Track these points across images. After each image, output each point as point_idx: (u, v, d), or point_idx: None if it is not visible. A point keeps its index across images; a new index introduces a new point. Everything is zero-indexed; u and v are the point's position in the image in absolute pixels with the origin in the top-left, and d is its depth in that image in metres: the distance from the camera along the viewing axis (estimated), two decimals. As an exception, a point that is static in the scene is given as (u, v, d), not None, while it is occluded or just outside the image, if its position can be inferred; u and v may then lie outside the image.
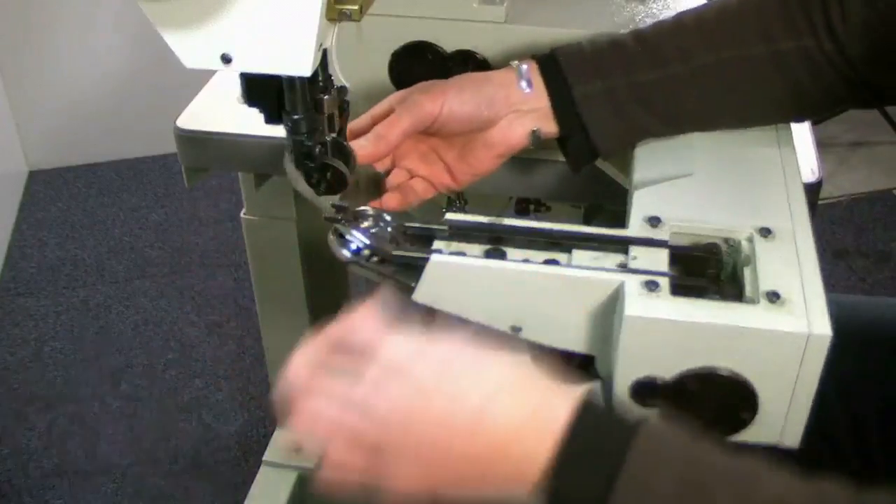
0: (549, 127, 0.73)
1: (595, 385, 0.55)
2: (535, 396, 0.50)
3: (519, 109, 0.72)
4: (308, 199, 0.68)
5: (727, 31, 0.72)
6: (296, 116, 0.63)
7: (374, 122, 0.72)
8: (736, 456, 0.49)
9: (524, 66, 0.73)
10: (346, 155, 0.68)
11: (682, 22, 0.74)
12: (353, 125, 0.72)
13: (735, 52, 0.72)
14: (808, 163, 0.84)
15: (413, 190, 0.75)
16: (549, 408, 0.49)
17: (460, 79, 0.73)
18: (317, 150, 0.65)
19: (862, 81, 0.72)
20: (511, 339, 0.59)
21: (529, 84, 0.72)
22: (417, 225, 0.66)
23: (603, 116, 0.72)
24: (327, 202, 0.68)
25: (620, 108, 0.72)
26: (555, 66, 0.72)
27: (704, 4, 0.76)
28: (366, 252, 0.65)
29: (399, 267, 0.65)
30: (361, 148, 0.70)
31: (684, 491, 0.46)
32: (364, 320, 0.54)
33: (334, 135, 0.67)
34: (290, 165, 0.67)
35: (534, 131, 0.73)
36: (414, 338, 0.52)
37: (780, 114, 0.76)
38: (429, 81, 0.73)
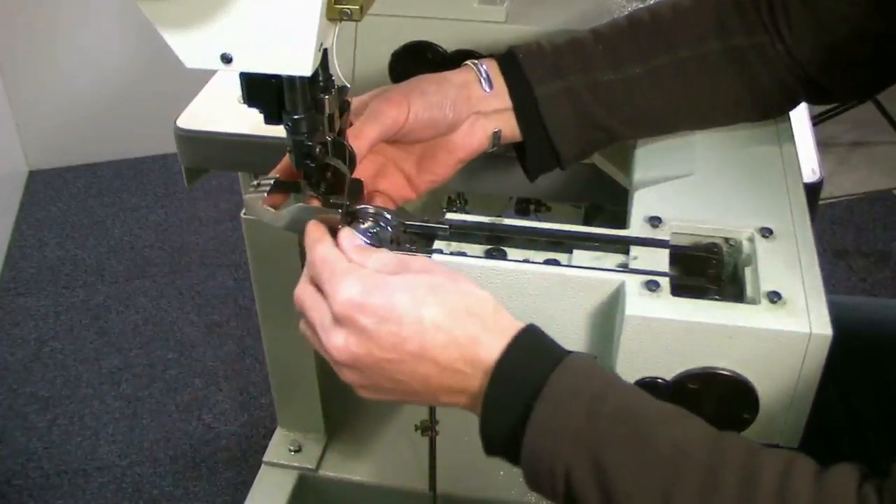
0: (510, 129, 0.72)
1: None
2: (470, 332, 0.55)
3: (480, 111, 0.70)
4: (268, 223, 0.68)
5: (683, 29, 0.71)
6: (296, 117, 0.63)
7: None
8: (647, 400, 0.53)
9: (483, 66, 0.71)
10: (345, 154, 0.68)
11: (639, 19, 0.73)
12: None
13: (692, 51, 0.71)
14: (808, 163, 0.84)
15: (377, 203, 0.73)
16: (482, 343, 0.54)
17: (418, 81, 0.70)
18: (317, 150, 0.65)
19: (811, 80, 0.73)
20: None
21: (490, 84, 0.70)
22: (418, 224, 0.66)
23: (565, 117, 0.71)
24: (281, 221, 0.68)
25: (582, 108, 0.71)
26: (515, 65, 0.70)
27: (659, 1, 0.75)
28: None
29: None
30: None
31: (590, 425, 0.51)
32: (322, 263, 0.60)
33: (334, 135, 0.67)
34: (248, 196, 0.68)
35: (494, 133, 0.71)
36: (361, 281, 0.57)
37: (740, 112, 0.76)
38: (385, 88, 0.70)
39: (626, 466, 0.50)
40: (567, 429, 0.51)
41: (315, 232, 0.62)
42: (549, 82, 0.70)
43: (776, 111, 0.77)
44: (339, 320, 0.57)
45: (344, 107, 0.68)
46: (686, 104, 0.73)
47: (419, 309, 0.55)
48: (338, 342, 0.57)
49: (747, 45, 0.71)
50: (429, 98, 0.68)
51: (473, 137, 0.71)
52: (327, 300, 0.58)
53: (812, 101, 0.79)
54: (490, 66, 0.71)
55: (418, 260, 0.60)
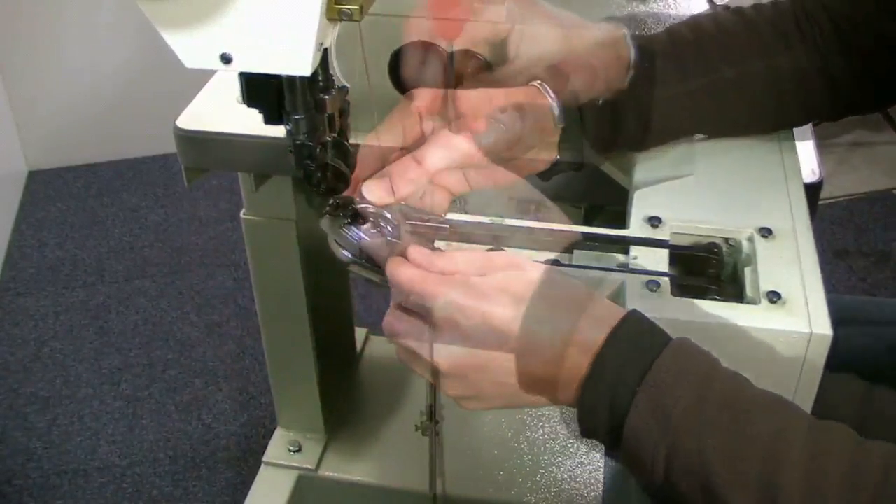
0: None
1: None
2: (572, 321, 0.55)
3: (547, 141, 0.70)
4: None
5: (730, 48, 0.72)
6: (296, 117, 0.63)
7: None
8: (749, 386, 0.53)
9: (555, 102, 0.69)
10: (346, 154, 0.68)
11: (679, 34, 0.73)
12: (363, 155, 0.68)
13: (733, 72, 0.72)
14: (808, 163, 0.84)
15: (436, 196, 0.71)
16: (586, 331, 0.54)
17: (577, 59, 0.67)
18: (318, 150, 0.65)
19: (841, 94, 0.74)
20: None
21: (563, 118, 0.69)
22: (418, 224, 0.66)
23: (605, 132, 0.71)
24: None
25: (622, 126, 0.71)
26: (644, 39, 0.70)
27: (698, 15, 0.75)
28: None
29: None
30: (381, 192, 0.64)
31: (697, 409, 0.51)
32: (411, 282, 0.58)
33: (335, 134, 0.67)
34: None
35: (554, 160, 0.71)
36: (456, 286, 0.56)
37: (765, 127, 0.77)
38: (460, 109, 0.67)
39: (728, 453, 0.50)
40: (672, 412, 0.51)
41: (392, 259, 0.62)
42: (670, 58, 0.70)
43: (800, 124, 0.79)
44: (440, 328, 0.56)
45: (345, 107, 0.68)
46: (719, 120, 0.74)
47: (519, 305, 0.55)
48: (441, 350, 0.57)
49: (787, 65, 0.72)
50: (505, 134, 0.66)
51: (537, 165, 0.71)
52: (424, 315, 0.58)
53: (835, 116, 0.79)
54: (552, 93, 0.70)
55: (500, 255, 0.59)
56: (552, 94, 0.69)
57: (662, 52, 0.72)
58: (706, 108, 0.73)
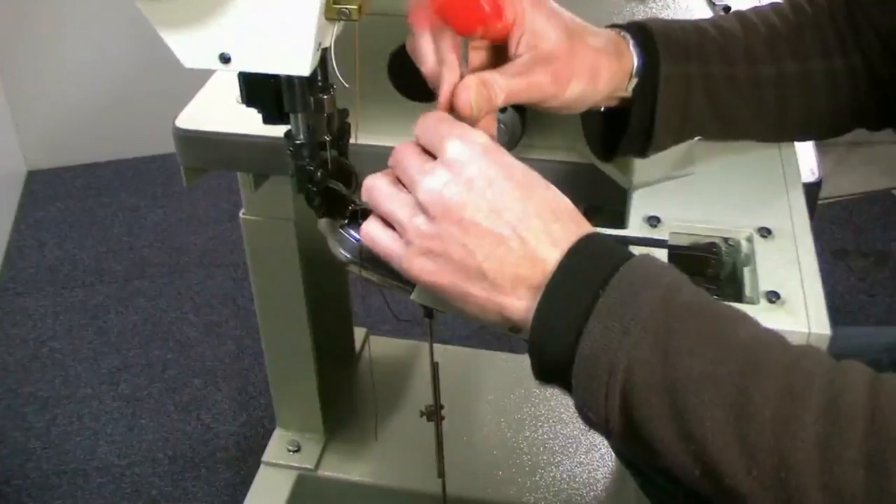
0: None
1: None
2: (564, 226, 0.53)
3: (618, 95, 0.68)
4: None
5: (790, 43, 0.71)
6: (298, 142, 0.64)
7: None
8: (719, 301, 0.51)
9: (636, 58, 0.67)
10: (347, 176, 0.68)
11: (751, 22, 0.72)
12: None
13: (796, 68, 0.71)
14: (807, 163, 0.84)
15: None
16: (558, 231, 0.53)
17: (583, 62, 0.64)
18: (318, 173, 0.65)
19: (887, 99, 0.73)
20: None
21: (638, 72, 0.67)
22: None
23: (676, 103, 0.68)
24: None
25: (692, 96, 0.69)
26: (651, 45, 0.67)
27: (761, 8, 0.74)
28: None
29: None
30: (465, 101, 0.59)
31: (663, 313, 0.48)
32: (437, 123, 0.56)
33: (336, 153, 0.67)
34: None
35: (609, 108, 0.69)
36: (474, 147, 0.54)
37: (814, 132, 0.76)
38: (556, 30, 0.62)
39: (699, 358, 0.47)
40: (637, 317, 0.48)
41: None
42: (675, 64, 0.68)
43: (844, 131, 0.77)
44: (446, 164, 0.53)
45: (346, 128, 0.68)
46: (774, 117, 0.72)
47: (533, 186, 0.53)
48: (433, 184, 0.53)
49: (840, 66, 0.71)
50: (586, 91, 0.64)
51: (600, 102, 0.68)
52: (436, 152, 0.54)
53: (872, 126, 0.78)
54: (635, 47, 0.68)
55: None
56: (635, 50, 0.67)
57: (733, 33, 0.70)
58: (770, 99, 0.71)
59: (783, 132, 0.75)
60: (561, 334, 0.50)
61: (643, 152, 0.71)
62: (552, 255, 0.52)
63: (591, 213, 1.11)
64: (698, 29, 0.70)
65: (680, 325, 0.48)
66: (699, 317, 0.49)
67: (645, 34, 0.68)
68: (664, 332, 0.48)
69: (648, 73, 0.67)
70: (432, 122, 0.56)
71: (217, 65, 0.59)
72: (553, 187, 0.55)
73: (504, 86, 0.60)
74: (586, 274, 0.51)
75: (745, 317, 0.50)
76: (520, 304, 0.53)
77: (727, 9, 0.88)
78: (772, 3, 0.74)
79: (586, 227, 0.54)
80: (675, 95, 0.68)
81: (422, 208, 0.53)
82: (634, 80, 0.67)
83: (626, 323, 0.48)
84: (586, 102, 0.66)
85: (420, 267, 0.54)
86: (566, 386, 0.52)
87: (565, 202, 0.55)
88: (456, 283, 0.53)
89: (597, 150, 0.74)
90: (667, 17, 0.85)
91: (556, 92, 0.62)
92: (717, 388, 0.46)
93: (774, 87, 0.70)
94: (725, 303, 0.51)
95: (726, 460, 0.46)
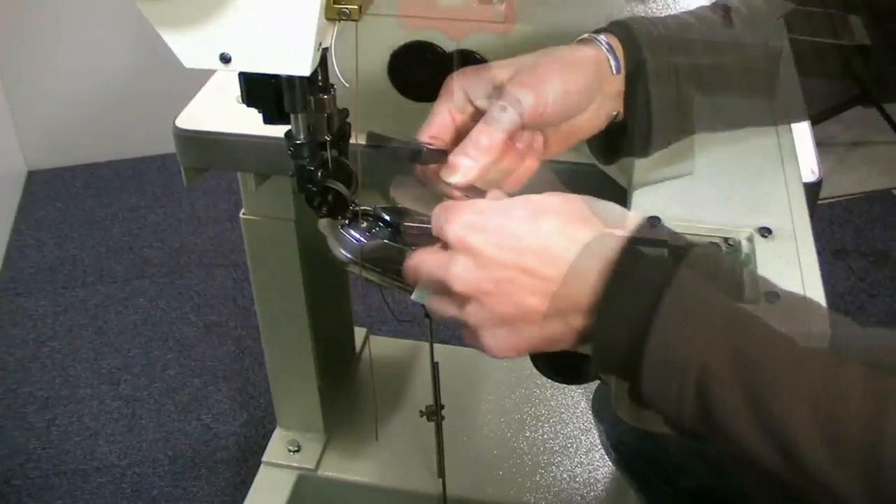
0: (621, 107, 0.69)
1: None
2: (591, 231, 0.53)
3: (604, 92, 0.68)
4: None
5: (776, 24, 0.71)
6: (298, 142, 0.64)
7: (453, 118, 0.66)
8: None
9: (606, 44, 0.67)
10: (347, 176, 0.68)
11: (733, 9, 0.72)
12: (432, 127, 0.66)
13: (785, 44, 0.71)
14: (807, 163, 0.84)
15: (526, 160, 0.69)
16: (601, 239, 0.53)
17: (549, 63, 0.65)
18: (318, 173, 0.65)
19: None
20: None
21: (619, 66, 0.67)
22: (418, 224, 0.66)
23: (669, 97, 0.68)
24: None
25: (683, 88, 0.69)
26: (632, 38, 0.67)
27: None
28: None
29: (398, 267, 0.64)
30: (469, 169, 0.62)
31: (733, 312, 0.48)
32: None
33: (336, 153, 0.67)
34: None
35: (614, 115, 0.69)
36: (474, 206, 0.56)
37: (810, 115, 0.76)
38: (510, 64, 0.65)
39: (773, 359, 0.47)
40: (704, 316, 0.48)
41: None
42: (661, 58, 0.67)
43: (841, 110, 0.78)
44: (455, 248, 0.54)
45: (346, 129, 0.68)
46: (767, 99, 0.73)
47: (538, 220, 0.53)
48: (457, 271, 0.54)
49: (827, 45, 0.72)
50: (563, 85, 0.64)
51: (596, 121, 0.68)
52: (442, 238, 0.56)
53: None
54: (611, 41, 0.68)
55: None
56: (605, 41, 0.67)
57: (714, 24, 0.70)
58: (761, 84, 0.71)
59: (780, 114, 0.75)
60: (622, 345, 0.51)
61: (644, 152, 0.71)
62: (592, 265, 0.52)
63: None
64: (679, 21, 0.70)
65: (751, 326, 0.48)
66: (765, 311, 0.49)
67: (627, 32, 0.68)
68: (735, 333, 0.48)
69: (637, 70, 0.67)
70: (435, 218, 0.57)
71: (217, 65, 0.59)
72: (558, 193, 0.56)
73: (481, 128, 0.62)
74: (645, 274, 0.51)
75: (815, 306, 0.50)
76: (582, 322, 0.53)
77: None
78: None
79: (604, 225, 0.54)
80: (667, 89, 0.68)
81: (463, 298, 0.55)
82: (618, 78, 0.67)
83: (692, 326, 0.48)
84: (584, 102, 0.66)
85: (497, 344, 0.55)
86: (628, 377, 0.52)
87: (574, 205, 0.55)
88: (533, 335, 0.55)
89: (598, 153, 0.74)
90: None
91: (535, 97, 0.63)
92: (798, 383, 0.46)
93: (763, 67, 0.71)
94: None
95: (813, 458, 0.46)
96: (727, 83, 0.70)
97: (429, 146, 0.64)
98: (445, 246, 0.56)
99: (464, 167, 0.62)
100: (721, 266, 0.52)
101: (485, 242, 0.53)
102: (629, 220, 0.54)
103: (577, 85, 0.65)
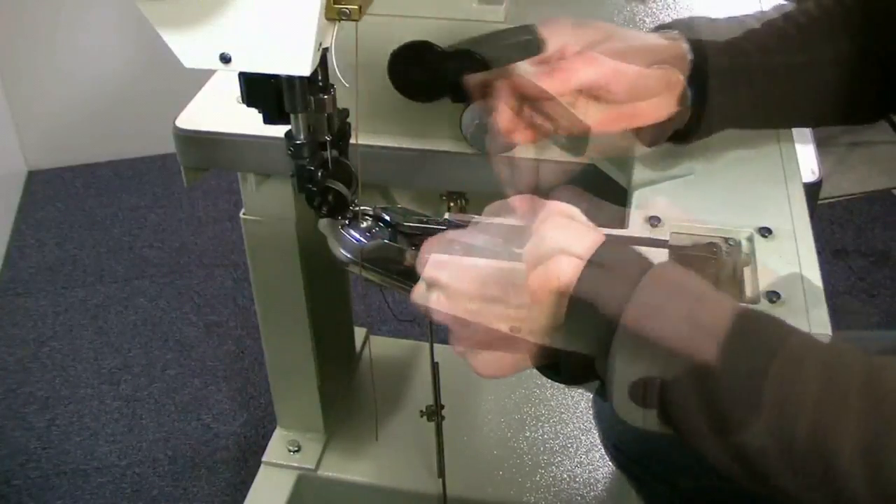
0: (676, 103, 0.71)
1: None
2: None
3: (672, 84, 0.69)
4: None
5: (822, 34, 0.72)
6: (298, 142, 0.64)
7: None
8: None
9: (685, 46, 0.69)
10: (347, 176, 0.68)
11: (777, 23, 0.73)
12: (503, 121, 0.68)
13: (831, 51, 0.72)
14: (807, 163, 0.84)
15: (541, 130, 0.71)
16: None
17: (631, 49, 0.67)
18: (318, 173, 0.65)
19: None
20: None
21: (690, 71, 0.69)
22: (417, 224, 0.66)
23: (723, 91, 0.70)
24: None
25: (739, 87, 0.70)
26: (700, 47, 0.69)
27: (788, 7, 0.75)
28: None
29: (398, 267, 0.65)
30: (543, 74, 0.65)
31: (696, 312, 0.50)
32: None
33: (336, 153, 0.67)
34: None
35: (674, 113, 0.70)
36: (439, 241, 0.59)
37: (857, 116, 0.77)
38: (593, 36, 0.68)
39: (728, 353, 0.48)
40: (670, 310, 0.50)
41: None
42: (722, 57, 0.69)
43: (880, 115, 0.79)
44: (429, 284, 0.58)
45: (346, 129, 0.68)
46: (820, 102, 0.74)
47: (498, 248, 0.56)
48: (432, 305, 0.57)
49: (873, 48, 0.72)
50: (646, 61, 0.67)
51: (659, 111, 0.70)
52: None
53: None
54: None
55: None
56: (687, 46, 0.69)
57: (775, 27, 0.72)
58: (819, 85, 0.72)
59: (822, 117, 0.76)
60: (589, 339, 0.53)
61: (685, 140, 0.73)
62: (552, 284, 0.53)
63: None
64: (740, 24, 0.72)
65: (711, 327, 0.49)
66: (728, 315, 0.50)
67: (691, 31, 0.70)
68: (698, 334, 0.49)
69: (698, 66, 0.69)
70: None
71: (217, 65, 0.59)
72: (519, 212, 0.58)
73: (561, 65, 0.65)
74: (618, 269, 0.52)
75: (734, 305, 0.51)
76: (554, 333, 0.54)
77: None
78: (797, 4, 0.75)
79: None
80: (725, 87, 0.70)
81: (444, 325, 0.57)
82: (682, 79, 0.69)
83: (660, 317, 0.50)
84: (655, 90, 0.68)
85: (482, 366, 0.59)
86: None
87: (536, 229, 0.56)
88: (513, 356, 0.57)
89: (642, 135, 0.74)
90: (664, 18, 0.86)
91: (615, 64, 0.65)
92: (755, 388, 0.47)
93: (811, 71, 0.71)
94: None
95: (768, 463, 0.48)
96: (778, 85, 0.71)
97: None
98: None
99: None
100: (683, 274, 0.53)
101: (449, 277, 0.56)
102: (591, 236, 0.55)
103: (645, 79, 0.67)
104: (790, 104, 0.74)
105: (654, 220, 0.66)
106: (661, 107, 0.69)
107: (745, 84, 0.70)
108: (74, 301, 1.94)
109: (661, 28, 0.72)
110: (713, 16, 0.75)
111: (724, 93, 0.70)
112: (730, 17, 0.73)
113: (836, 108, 0.75)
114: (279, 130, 0.66)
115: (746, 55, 0.70)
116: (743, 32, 0.71)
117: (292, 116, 0.64)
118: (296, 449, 1.31)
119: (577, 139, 0.75)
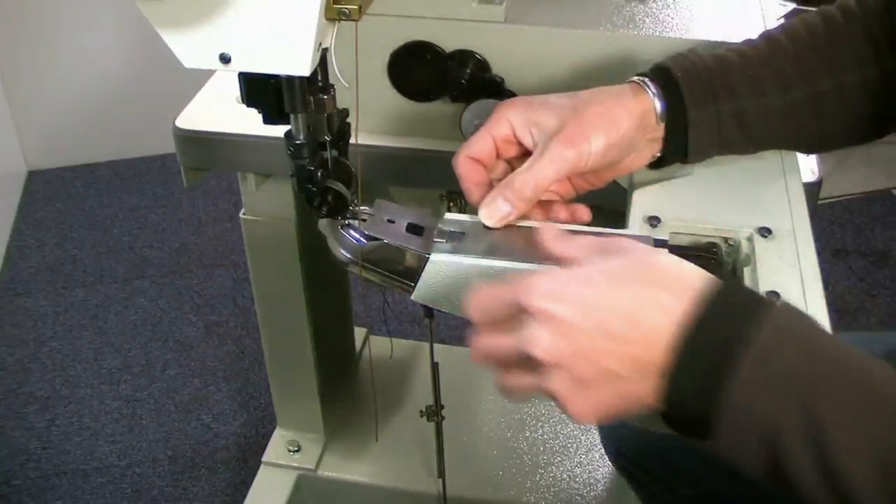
0: (659, 148, 0.71)
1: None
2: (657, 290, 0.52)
3: (649, 137, 0.69)
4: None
5: (822, 59, 0.71)
6: (297, 142, 0.64)
7: (496, 145, 0.68)
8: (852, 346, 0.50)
9: (653, 91, 0.68)
10: (347, 176, 0.68)
11: (778, 44, 0.72)
12: (474, 148, 0.68)
13: (830, 83, 0.71)
14: (807, 163, 0.84)
15: (553, 207, 0.71)
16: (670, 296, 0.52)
17: (594, 118, 0.66)
18: (318, 173, 0.65)
19: None
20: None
21: (663, 116, 0.68)
22: (417, 224, 0.66)
23: (707, 141, 0.70)
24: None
25: (723, 132, 0.70)
26: (674, 85, 0.69)
27: (789, 23, 0.74)
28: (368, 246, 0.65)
29: (398, 267, 0.65)
30: (505, 215, 0.64)
31: (807, 370, 0.48)
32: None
33: (336, 153, 0.67)
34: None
35: (655, 156, 0.71)
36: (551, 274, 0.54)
37: (857, 139, 0.76)
38: (557, 109, 0.67)
39: (847, 415, 0.47)
40: (780, 377, 0.48)
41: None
42: (702, 107, 0.69)
43: (885, 133, 0.77)
44: (538, 319, 0.53)
45: (346, 129, 0.68)
46: (815, 132, 0.73)
47: (617, 285, 0.52)
48: (543, 342, 0.53)
49: (875, 74, 0.71)
50: (610, 139, 0.66)
51: (640, 162, 0.70)
52: (521, 310, 0.54)
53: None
54: (657, 88, 0.69)
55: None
56: (654, 90, 0.68)
57: (762, 58, 0.71)
58: (808, 122, 0.72)
59: (825, 144, 0.76)
60: (692, 409, 0.51)
61: (741, 152, 0.73)
62: (666, 326, 0.51)
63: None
64: (721, 61, 0.70)
65: (823, 384, 0.48)
66: (843, 367, 0.49)
67: (667, 77, 0.69)
68: (807, 394, 0.48)
69: (677, 116, 0.68)
70: (488, 298, 0.56)
71: (217, 65, 0.59)
72: (639, 249, 0.55)
73: (526, 178, 0.64)
74: (719, 331, 0.50)
75: (882, 364, 0.50)
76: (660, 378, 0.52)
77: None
78: (801, 14, 0.74)
79: (699, 282, 0.52)
80: (707, 135, 0.69)
81: (545, 367, 0.53)
82: (661, 126, 0.68)
83: (770, 390, 0.48)
84: (626, 152, 0.67)
85: (580, 408, 0.54)
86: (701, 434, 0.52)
87: (661, 266, 0.54)
88: (613, 396, 0.53)
89: (696, 150, 0.74)
90: (665, 18, 0.85)
91: (578, 154, 0.64)
92: (865, 443, 0.47)
93: (810, 107, 0.71)
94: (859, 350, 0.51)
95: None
96: (773, 124, 0.71)
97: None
98: (509, 322, 0.55)
99: (502, 212, 0.65)
100: (802, 321, 0.51)
101: (568, 311, 0.52)
102: (703, 278, 0.53)
103: (621, 139, 0.66)
104: (781, 141, 0.74)
105: (653, 220, 0.66)
106: (642, 157, 0.70)
107: (730, 127, 0.70)
108: (74, 301, 1.94)
109: (643, 74, 0.70)
110: (708, 34, 0.74)
111: (705, 135, 0.70)
112: (709, 53, 0.71)
113: (823, 141, 0.75)
114: (279, 130, 0.66)
115: (734, 97, 0.69)
116: (723, 72, 0.70)
117: (292, 116, 0.64)
118: (296, 449, 1.31)
119: None
